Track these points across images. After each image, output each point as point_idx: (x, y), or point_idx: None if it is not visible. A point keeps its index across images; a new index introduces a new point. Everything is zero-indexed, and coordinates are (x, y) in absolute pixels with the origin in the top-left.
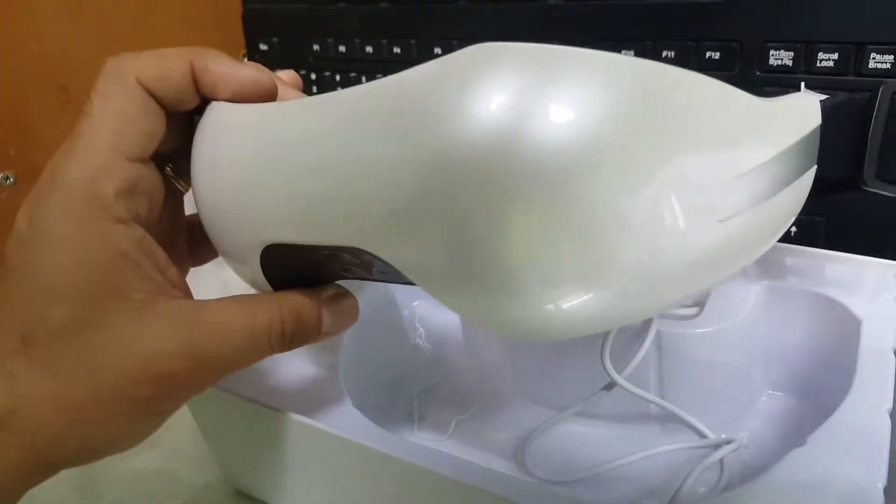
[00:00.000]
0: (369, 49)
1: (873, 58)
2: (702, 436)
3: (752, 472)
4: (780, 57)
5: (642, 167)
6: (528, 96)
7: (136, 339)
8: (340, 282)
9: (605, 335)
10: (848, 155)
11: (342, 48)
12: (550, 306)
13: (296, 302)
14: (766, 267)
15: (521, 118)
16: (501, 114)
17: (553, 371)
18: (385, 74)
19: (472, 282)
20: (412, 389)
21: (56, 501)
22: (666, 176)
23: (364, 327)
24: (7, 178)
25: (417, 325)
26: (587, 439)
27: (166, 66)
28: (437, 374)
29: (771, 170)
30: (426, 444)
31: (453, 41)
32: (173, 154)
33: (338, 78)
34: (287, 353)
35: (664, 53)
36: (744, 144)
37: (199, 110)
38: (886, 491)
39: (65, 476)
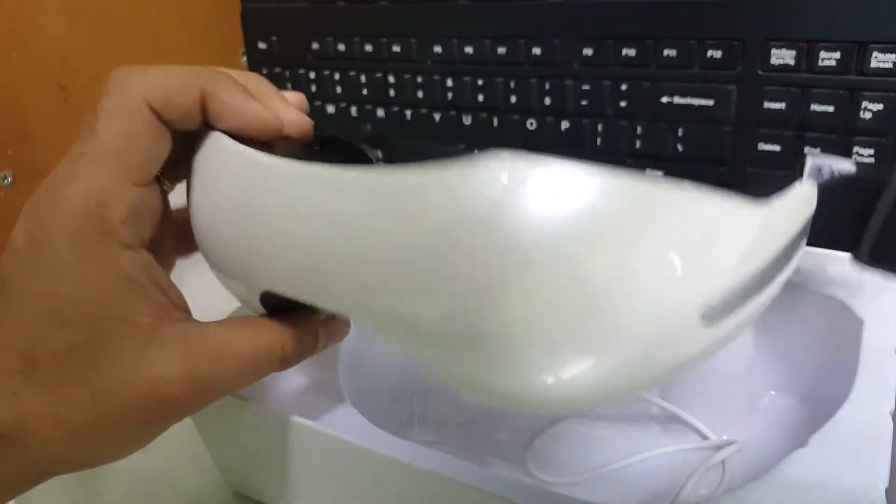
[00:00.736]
0: (369, 48)
1: (875, 57)
2: (703, 437)
3: (754, 473)
4: (782, 56)
5: (636, 242)
6: (528, 174)
7: (142, 364)
8: None
9: None
10: (847, 230)
11: (341, 47)
12: (549, 376)
13: (296, 325)
14: None
15: (519, 194)
16: (501, 187)
17: None
18: (385, 74)
19: (469, 346)
20: (412, 390)
21: (55, 502)
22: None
23: (364, 329)
24: (5, 177)
25: None
26: (588, 440)
27: (176, 88)
28: None
29: (762, 274)
30: (426, 445)
31: (453, 40)
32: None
33: (337, 77)
34: None
35: (665, 52)
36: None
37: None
38: (888, 492)
39: (64, 477)
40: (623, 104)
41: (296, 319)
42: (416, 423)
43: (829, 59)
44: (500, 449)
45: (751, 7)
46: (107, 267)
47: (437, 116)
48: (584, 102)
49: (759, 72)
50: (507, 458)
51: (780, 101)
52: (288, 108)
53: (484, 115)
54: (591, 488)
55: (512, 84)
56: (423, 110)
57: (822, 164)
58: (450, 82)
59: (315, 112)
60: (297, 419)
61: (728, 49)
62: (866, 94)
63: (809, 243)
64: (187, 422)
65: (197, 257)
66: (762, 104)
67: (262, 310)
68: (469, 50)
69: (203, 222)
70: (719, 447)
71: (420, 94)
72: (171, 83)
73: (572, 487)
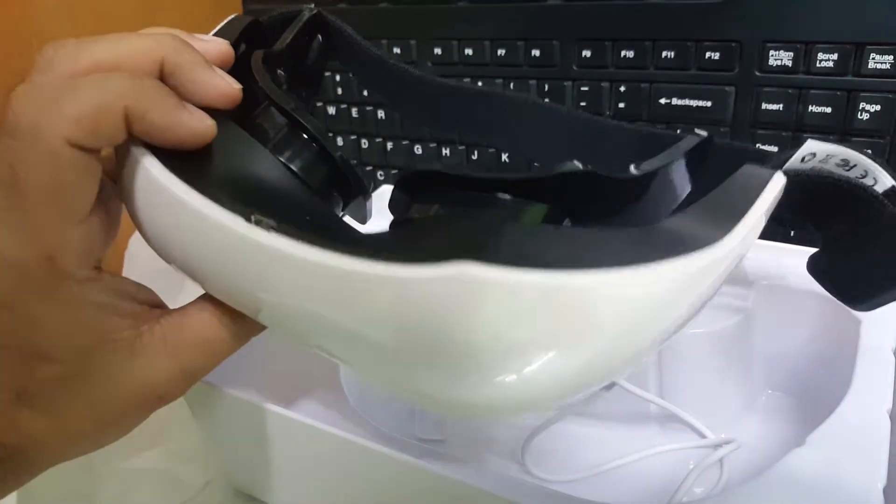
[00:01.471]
0: None
1: (873, 58)
2: (701, 436)
3: (752, 471)
4: (780, 57)
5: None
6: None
7: (134, 372)
8: None
9: None
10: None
11: None
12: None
13: None
14: (766, 267)
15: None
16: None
17: None
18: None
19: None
20: None
21: (55, 501)
22: None
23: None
24: None
25: None
26: (587, 439)
27: (94, 117)
28: None
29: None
30: (426, 443)
31: (453, 42)
32: None
33: (338, 78)
34: (287, 353)
35: (663, 54)
36: None
37: None
38: (886, 491)
39: (64, 476)
40: (621, 105)
41: None
42: (416, 422)
43: (826, 60)
44: (499, 447)
45: (748, 9)
46: (74, 306)
47: None
48: (582, 104)
49: (757, 73)
50: (506, 457)
51: (777, 102)
52: (217, 90)
53: None
54: (589, 487)
55: (511, 85)
56: None
57: (817, 150)
58: None
59: (315, 113)
60: (297, 416)
61: (726, 50)
62: (864, 95)
63: (810, 243)
64: (187, 421)
65: None
66: (760, 105)
67: None
68: (469, 51)
69: (142, 231)
70: (717, 446)
71: None
72: (86, 111)
73: (571, 486)
